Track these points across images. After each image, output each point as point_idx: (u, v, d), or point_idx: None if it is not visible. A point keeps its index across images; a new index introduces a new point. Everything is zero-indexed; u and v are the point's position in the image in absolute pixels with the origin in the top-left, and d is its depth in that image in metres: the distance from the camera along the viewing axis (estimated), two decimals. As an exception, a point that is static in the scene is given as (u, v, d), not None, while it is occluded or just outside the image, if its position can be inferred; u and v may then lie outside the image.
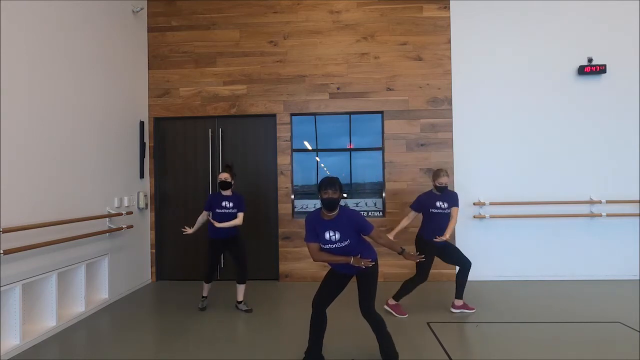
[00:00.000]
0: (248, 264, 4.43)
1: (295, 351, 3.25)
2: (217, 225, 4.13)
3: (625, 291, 4.88)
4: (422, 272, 4.10)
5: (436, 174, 4.14)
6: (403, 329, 3.76)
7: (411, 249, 4.27)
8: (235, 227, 4.28)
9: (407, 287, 4.18)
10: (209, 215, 4.27)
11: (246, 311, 4.35)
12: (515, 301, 4.56)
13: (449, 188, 4.28)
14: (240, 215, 4.25)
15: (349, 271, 2.98)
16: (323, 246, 2.87)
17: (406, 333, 3.66)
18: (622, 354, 3.17)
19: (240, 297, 4.41)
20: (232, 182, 4.29)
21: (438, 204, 4.10)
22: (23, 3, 3.59)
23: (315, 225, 2.89)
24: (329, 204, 2.79)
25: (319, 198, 2.82)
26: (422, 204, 4.17)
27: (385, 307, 4.25)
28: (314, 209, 3.00)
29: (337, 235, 2.82)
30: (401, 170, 5.65)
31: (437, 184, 4.10)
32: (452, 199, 4.13)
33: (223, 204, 4.25)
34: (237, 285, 4.39)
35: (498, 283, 5.29)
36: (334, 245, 2.84)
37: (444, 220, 4.07)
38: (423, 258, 3.15)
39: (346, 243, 2.83)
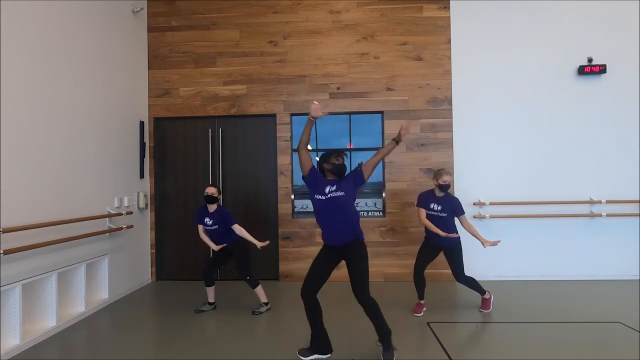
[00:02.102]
0: (250, 269, 4.29)
1: (296, 351, 3.25)
2: (216, 248, 4.22)
3: (625, 291, 4.88)
4: (416, 260, 4.22)
5: (438, 173, 4.10)
6: (403, 329, 3.76)
7: (417, 248, 4.30)
8: (229, 238, 4.24)
9: (419, 281, 4.23)
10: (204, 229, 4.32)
11: (258, 313, 4.30)
12: (515, 301, 4.56)
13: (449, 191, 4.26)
14: (235, 227, 4.16)
15: (339, 242, 3.01)
16: (319, 197, 2.99)
17: (406, 333, 3.66)
18: (622, 354, 3.17)
19: (261, 299, 4.36)
20: (218, 198, 4.27)
21: (432, 205, 4.07)
22: (23, 3, 3.59)
23: (318, 176, 3.08)
24: (340, 169, 3.02)
25: (328, 166, 3.03)
26: (423, 201, 4.17)
27: (416, 314, 4.19)
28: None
29: (334, 187, 2.98)
30: (401, 170, 5.65)
31: (441, 182, 4.04)
32: (451, 205, 4.08)
33: (205, 220, 4.25)
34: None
35: (498, 283, 5.28)
36: (332, 195, 2.97)
37: (437, 223, 4.02)
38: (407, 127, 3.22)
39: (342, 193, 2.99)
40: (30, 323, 3.77)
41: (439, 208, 4.05)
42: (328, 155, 3.07)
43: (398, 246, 5.60)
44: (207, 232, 4.29)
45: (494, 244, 3.88)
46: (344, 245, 3.01)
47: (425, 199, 4.14)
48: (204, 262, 4.39)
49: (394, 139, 3.22)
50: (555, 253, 5.50)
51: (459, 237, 4.09)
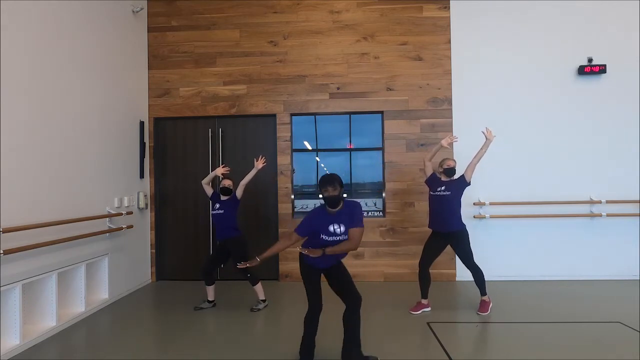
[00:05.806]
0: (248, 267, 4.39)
1: (295, 351, 3.24)
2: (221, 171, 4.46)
3: (625, 291, 4.88)
4: (421, 256, 4.28)
5: (442, 162, 4.26)
6: (403, 329, 3.76)
7: (418, 248, 4.29)
8: (229, 230, 4.31)
9: (423, 278, 4.29)
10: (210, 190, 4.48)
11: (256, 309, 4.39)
12: (515, 301, 4.56)
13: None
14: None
15: (325, 265, 2.99)
16: (326, 238, 2.85)
17: (406, 333, 3.66)
18: (622, 354, 3.17)
19: (259, 296, 4.46)
20: (233, 190, 4.39)
21: (440, 188, 4.18)
22: (23, 3, 3.59)
23: (318, 222, 2.88)
24: (331, 201, 2.82)
25: (321, 196, 2.85)
26: (431, 179, 4.27)
27: (413, 312, 4.23)
28: (318, 207, 3.00)
29: (342, 228, 2.84)
30: (401, 171, 5.65)
31: (446, 166, 4.18)
32: (459, 183, 4.19)
33: (216, 205, 4.37)
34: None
35: (498, 283, 5.28)
36: (338, 238, 2.85)
37: (444, 205, 4.12)
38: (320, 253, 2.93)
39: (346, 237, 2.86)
40: (30, 323, 3.77)
41: (443, 188, 4.17)
42: (320, 182, 2.88)
43: (398, 246, 5.60)
44: (212, 216, 4.41)
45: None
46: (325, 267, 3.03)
47: (433, 181, 4.27)
48: (204, 261, 4.44)
49: None
50: (555, 253, 5.50)
51: (464, 226, 4.16)
